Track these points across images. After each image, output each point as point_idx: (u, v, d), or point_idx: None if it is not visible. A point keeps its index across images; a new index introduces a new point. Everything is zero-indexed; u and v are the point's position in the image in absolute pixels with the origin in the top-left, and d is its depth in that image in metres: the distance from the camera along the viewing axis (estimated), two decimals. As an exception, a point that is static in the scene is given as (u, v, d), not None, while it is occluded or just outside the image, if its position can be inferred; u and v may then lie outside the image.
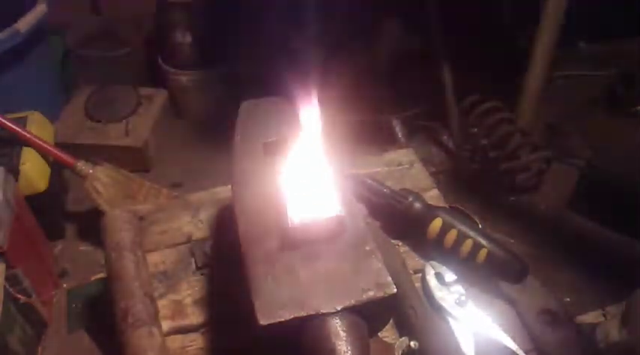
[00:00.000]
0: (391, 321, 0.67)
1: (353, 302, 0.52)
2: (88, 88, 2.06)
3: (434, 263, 0.73)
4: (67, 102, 2.07)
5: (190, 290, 0.73)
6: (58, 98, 2.08)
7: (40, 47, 1.86)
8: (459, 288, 0.70)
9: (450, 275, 0.71)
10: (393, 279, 0.54)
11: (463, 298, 0.68)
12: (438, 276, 0.71)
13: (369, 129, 2.00)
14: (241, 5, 2.09)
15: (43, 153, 1.57)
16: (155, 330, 0.64)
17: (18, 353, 1.21)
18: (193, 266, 0.76)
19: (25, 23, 1.68)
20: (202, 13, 1.97)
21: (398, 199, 0.78)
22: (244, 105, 0.74)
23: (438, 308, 0.68)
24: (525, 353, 0.64)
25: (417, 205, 0.77)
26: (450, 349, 0.64)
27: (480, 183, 1.99)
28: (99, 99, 2.01)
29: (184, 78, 2.06)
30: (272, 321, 0.50)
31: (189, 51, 2.01)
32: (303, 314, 0.51)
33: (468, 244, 0.72)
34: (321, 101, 0.64)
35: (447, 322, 0.66)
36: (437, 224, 0.74)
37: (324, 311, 0.51)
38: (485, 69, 1.98)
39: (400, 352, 0.63)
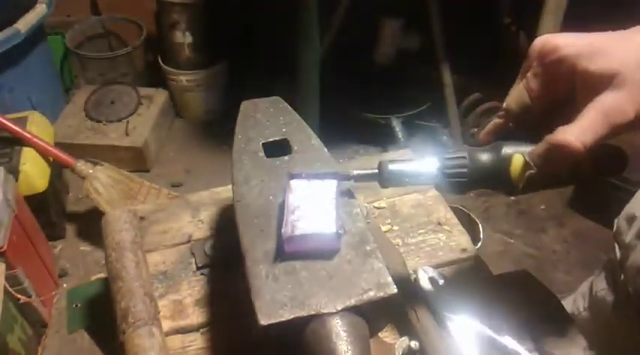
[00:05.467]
0: (391, 321, 0.67)
1: (353, 302, 0.52)
2: (88, 88, 2.06)
3: (426, 267, 0.72)
4: (67, 102, 2.07)
5: (190, 290, 0.73)
6: (58, 98, 2.08)
7: (40, 47, 1.86)
8: (454, 291, 0.69)
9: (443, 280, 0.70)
10: (393, 279, 0.54)
11: (460, 300, 0.67)
12: (432, 281, 0.70)
13: (369, 129, 2.00)
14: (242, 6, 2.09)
15: (43, 153, 1.57)
16: (155, 330, 0.64)
17: (18, 353, 1.21)
18: (193, 266, 0.76)
19: (25, 23, 1.69)
20: (202, 13, 1.97)
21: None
22: (244, 105, 0.74)
23: (435, 313, 0.67)
24: (526, 353, 0.64)
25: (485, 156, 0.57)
26: (451, 349, 0.64)
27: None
28: (99, 99, 2.00)
29: (184, 78, 2.06)
30: (272, 321, 0.50)
31: (189, 51, 2.02)
32: (303, 314, 0.51)
33: None
34: (321, 101, 0.63)
35: (446, 326, 0.66)
36: (518, 162, 0.54)
37: (324, 311, 0.51)
38: (485, 69, 1.98)
39: (400, 352, 0.63)
